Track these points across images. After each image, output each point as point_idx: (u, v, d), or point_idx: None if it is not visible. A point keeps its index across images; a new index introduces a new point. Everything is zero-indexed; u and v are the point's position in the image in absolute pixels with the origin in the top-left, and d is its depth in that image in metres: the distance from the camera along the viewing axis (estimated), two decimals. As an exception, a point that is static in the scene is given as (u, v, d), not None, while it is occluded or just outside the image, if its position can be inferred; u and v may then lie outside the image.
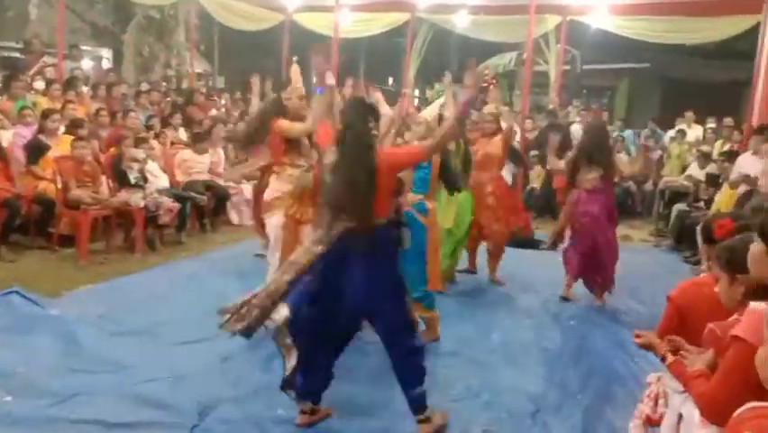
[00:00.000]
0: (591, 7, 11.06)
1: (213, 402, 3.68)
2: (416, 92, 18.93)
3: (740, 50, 14.08)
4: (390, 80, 23.40)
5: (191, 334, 4.63)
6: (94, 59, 16.28)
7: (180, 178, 8.00)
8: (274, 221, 4.73)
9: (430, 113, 5.30)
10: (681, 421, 2.34)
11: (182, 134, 9.01)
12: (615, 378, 4.32)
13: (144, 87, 10.84)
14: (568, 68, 15.20)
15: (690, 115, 11.63)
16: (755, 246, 1.86)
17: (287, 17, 13.25)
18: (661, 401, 2.59)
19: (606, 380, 4.27)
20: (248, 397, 3.80)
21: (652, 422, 2.62)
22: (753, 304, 1.81)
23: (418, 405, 3.41)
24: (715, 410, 1.84)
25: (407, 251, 3.69)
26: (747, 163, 7.15)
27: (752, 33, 10.12)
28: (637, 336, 2.51)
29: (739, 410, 1.43)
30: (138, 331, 4.68)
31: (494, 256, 6.39)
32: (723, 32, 11.09)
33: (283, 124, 4.69)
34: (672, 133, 11.49)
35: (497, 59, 17.08)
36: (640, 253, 7.77)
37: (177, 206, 7.16)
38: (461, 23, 12.40)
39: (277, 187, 4.76)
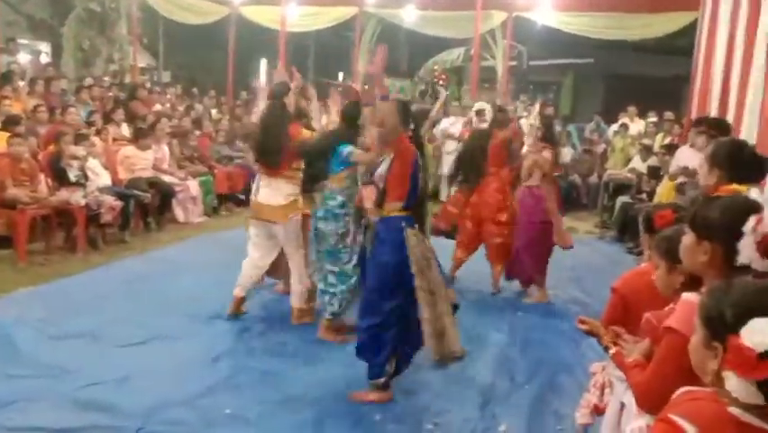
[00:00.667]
0: (536, 4, 11.24)
1: (159, 404, 3.60)
2: (366, 87, 18.88)
3: (680, 45, 14.50)
4: (340, 75, 23.30)
5: (136, 335, 4.54)
6: (32, 53, 15.72)
7: (123, 175, 7.79)
8: (295, 221, 4.88)
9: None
10: (623, 409, 2.39)
11: (125, 130, 8.77)
12: (561, 367, 4.40)
13: (89, 81, 10.50)
14: (515, 63, 15.40)
15: (632, 109, 11.93)
16: (686, 237, 1.90)
17: (233, 10, 13.05)
18: (607, 390, 2.63)
19: (552, 369, 4.36)
20: (195, 397, 3.73)
21: (599, 411, 2.66)
22: (685, 295, 1.85)
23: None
24: (649, 400, 1.88)
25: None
26: (686, 156, 7.36)
27: (690, 30, 10.44)
28: (581, 322, 2.54)
29: (674, 395, 1.46)
30: (80, 334, 4.54)
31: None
32: (662, 29, 11.44)
33: (306, 132, 4.87)
34: (615, 127, 11.76)
35: (445, 55, 17.18)
36: (585, 245, 7.94)
37: (119, 204, 6.97)
38: (409, 17, 12.44)
39: (290, 191, 4.85)
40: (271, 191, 4.85)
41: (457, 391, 3.98)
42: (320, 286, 4.72)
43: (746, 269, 1.75)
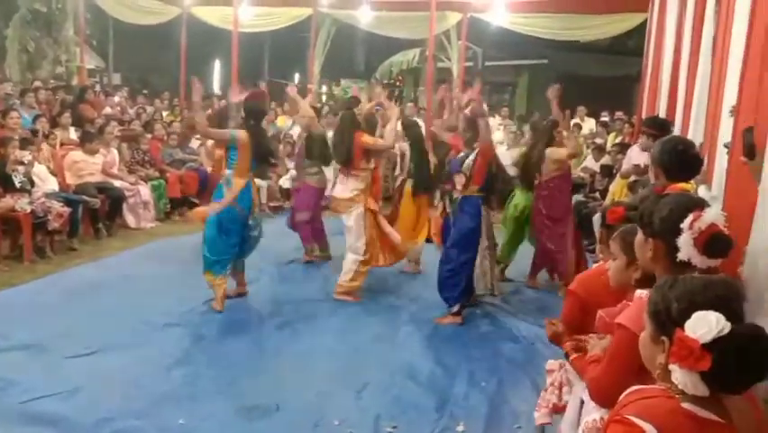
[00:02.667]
0: (490, 4, 11.33)
1: (110, 416, 3.52)
2: (323, 88, 18.82)
3: (630, 46, 14.86)
4: (296, 76, 23.15)
5: (86, 345, 4.41)
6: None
7: (71, 180, 7.56)
8: (355, 213, 5.66)
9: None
10: (583, 406, 2.40)
11: (73, 134, 8.52)
12: (518, 364, 4.44)
13: (37, 84, 10.17)
14: (470, 64, 15.52)
15: (581, 109, 12.12)
16: (639, 237, 1.94)
17: (184, 10, 12.82)
18: (565, 389, 2.64)
19: (510, 367, 4.38)
20: (148, 408, 3.65)
21: (558, 410, 2.68)
22: (638, 292, 1.88)
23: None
24: (601, 394, 1.91)
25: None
26: (636, 154, 7.51)
27: (640, 31, 10.69)
28: (551, 324, 2.55)
29: (623, 394, 1.47)
30: (28, 345, 4.39)
31: None
32: (613, 29, 11.68)
33: (368, 139, 5.75)
34: (568, 126, 11.94)
35: (401, 56, 17.24)
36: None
37: (67, 210, 6.76)
38: (365, 18, 12.41)
39: (353, 186, 5.67)
40: (342, 186, 5.77)
41: (415, 392, 3.97)
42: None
43: (687, 265, 1.78)
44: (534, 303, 5.85)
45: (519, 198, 6.30)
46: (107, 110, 10.52)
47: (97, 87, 13.41)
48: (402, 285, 6.28)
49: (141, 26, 13.52)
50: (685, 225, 1.77)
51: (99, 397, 3.72)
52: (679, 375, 1.31)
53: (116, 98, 12.13)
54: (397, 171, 6.69)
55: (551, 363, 2.80)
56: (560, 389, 2.65)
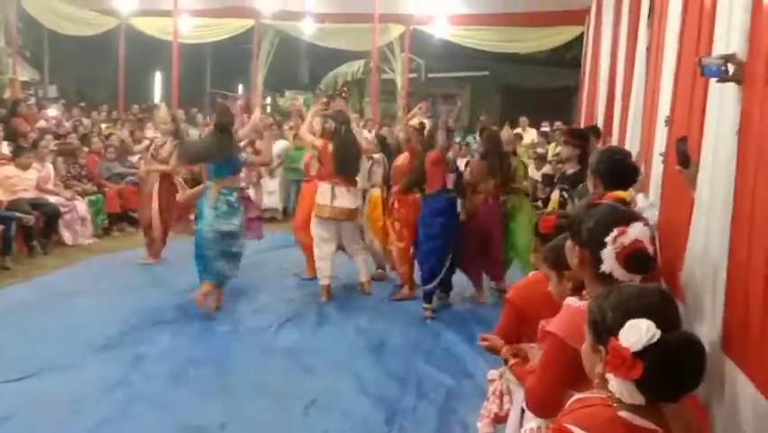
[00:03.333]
0: (432, 17, 11.47)
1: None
2: (268, 99, 18.67)
3: (568, 58, 15.26)
4: (240, 87, 22.90)
5: (21, 369, 4.21)
6: None
7: (3, 197, 7.24)
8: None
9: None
10: (524, 415, 2.41)
11: (5, 149, 8.19)
12: (465, 374, 4.44)
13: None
14: (414, 76, 15.66)
15: (523, 119, 12.37)
16: (568, 243, 1.97)
17: (122, 21, 12.52)
18: (506, 398, 2.65)
19: (457, 377, 4.39)
20: (88, 432, 3.49)
21: (499, 419, 2.68)
22: (567, 299, 1.90)
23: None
24: (536, 404, 1.93)
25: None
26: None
27: (578, 43, 11.00)
28: (483, 339, 2.57)
29: (568, 403, 1.48)
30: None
31: None
32: (551, 42, 12.01)
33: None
34: (510, 136, 12.16)
35: (345, 68, 17.27)
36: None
37: (-1, 228, 6.48)
38: (308, 30, 12.39)
39: (357, 196, 6.23)
40: (351, 197, 6.07)
41: (364, 407, 3.93)
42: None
43: (611, 277, 1.81)
44: (481, 312, 5.89)
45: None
46: (41, 123, 10.17)
47: (32, 100, 12.94)
48: (350, 298, 6.24)
49: (77, 37, 13.16)
50: (609, 239, 1.80)
51: (34, 423, 3.57)
52: (615, 384, 1.32)
53: (51, 111, 11.75)
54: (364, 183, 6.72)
55: (492, 373, 2.81)
56: (501, 398, 2.66)
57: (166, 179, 7.09)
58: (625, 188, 3.10)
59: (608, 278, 1.80)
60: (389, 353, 4.83)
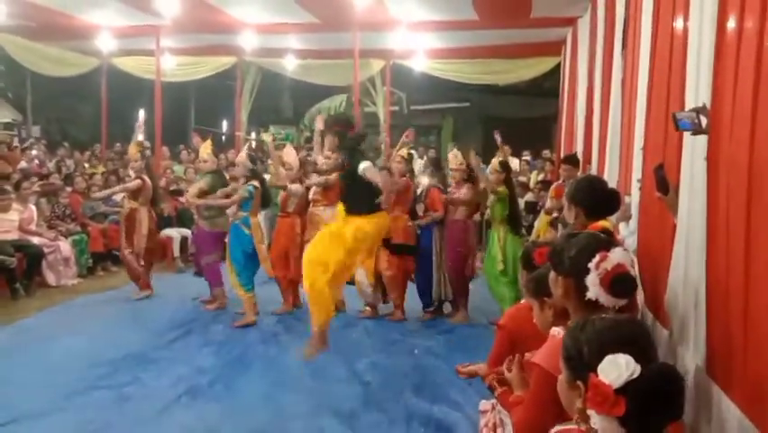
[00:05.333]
0: (412, 51, 11.63)
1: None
2: (252, 134, 18.73)
3: (547, 87, 15.48)
4: (224, 123, 22.97)
5: (1, 416, 4.09)
6: None
7: (-16, 239, 7.19)
8: None
9: (241, 157, 6.96)
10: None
11: (-14, 191, 8.12)
12: (454, 406, 4.40)
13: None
14: (396, 108, 15.81)
15: (506, 148, 12.47)
16: (552, 274, 1.99)
17: (103, 61, 12.57)
18: (499, 430, 2.64)
19: (446, 409, 4.34)
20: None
21: None
22: (552, 329, 1.91)
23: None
24: None
25: (237, 252, 6.56)
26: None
27: (555, 73, 11.19)
28: (459, 372, 2.56)
29: None
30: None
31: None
32: (528, 73, 12.21)
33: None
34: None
35: (328, 102, 17.40)
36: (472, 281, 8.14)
37: (-20, 271, 6.41)
38: (289, 66, 12.50)
39: None
40: None
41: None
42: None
43: (597, 304, 1.83)
44: (473, 342, 5.88)
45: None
46: (23, 164, 10.13)
47: (15, 141, 12.89)
48: (339, 331, 6.20)
49: (60, 78, 13.17)
50: (592, 265, 1.82)
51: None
52: (597, 421, 1.31)
53: (34, 152, 11.72)
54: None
55: (483, 404, 2.80)
56: (494, 430, 2.64)
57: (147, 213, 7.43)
58: (608, 215, 3.13)
59: (593, 305, 1.82)
60: (379, 387, 4.78)
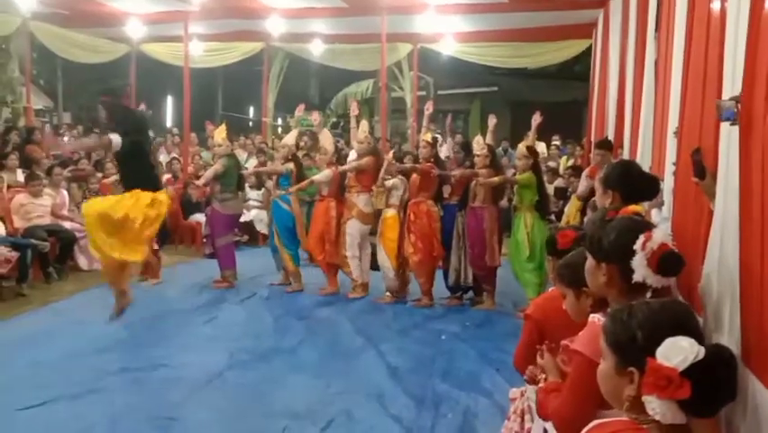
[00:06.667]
0: (440, 35, 11.51)
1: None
2: (279, 120, 18.80)
3: (577, 71, 15.25)
4: (251, 109, 23.10)
5: (38, 396, 4.20)
6: None
7: (19, 224, 7.33)
8: None
9: (290, 138, 7.57)
10: (546, 434, 2.39)
11: (21, 177, 8.29)
12: (482, 392, 4.41)
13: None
14: (423, 93, 15.72)
15: (529, 134, 12.34)
16: (588, 260, 1.95)
17: (133, 48, 12.69)
18: (527, 417, 2.62)
19: (475, 396, 4.35)
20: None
21: None
22: (591, 316, 1.87)
23: None
24: (565, 426, 1.88)
25: (282, 228, 7.08)
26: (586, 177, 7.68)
27: (586, 56, 11.00)
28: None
29: (586, 429, 1.44)
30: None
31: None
32: (559, 56, 11.99)
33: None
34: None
35: (354, 87, 17.37)
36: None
37: (15, 255, 6.54)
38: (316, 51, 12.47)
39: None
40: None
41: (381, 428, 3.90)
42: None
43: (643, 286, 1.80)
44: (501, 328, 5.87)
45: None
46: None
47: (47, 128, 13.10)
48: (367, 317, 6.24)
49: (90, 64, 13.33)
50: (637, 246, 1.79)
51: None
52: (656, 406, 1.28)
53: (65, 138, 11.89)
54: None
55: (513, 392, 2.78)
56: (522, 417, 2.63)
57: None
58: (647, 200, 3.06)
59: (639, 289, 1.79)
60: (407, 372, 4.81)
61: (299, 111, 8.11)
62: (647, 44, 5.38)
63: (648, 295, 1.84)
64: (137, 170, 4.89)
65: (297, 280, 7.14)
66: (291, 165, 7.10)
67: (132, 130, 4.87)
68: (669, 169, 3.62)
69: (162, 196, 4.93)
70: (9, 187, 7.86)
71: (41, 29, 11.14)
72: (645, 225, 1.90)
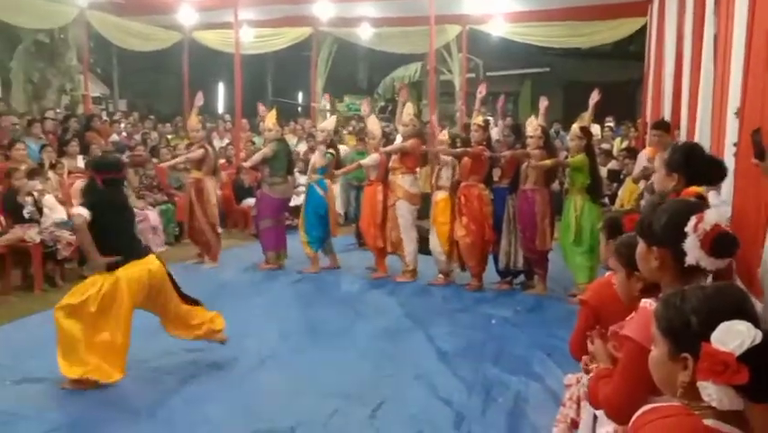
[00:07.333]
0: (489, 16, 11.36)
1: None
2: (327, 105, 18.89)
3: (632, 51, 14.84)
4: (300, 95, 23.26)
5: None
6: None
7: (79, 209, 7.58)
8: None
9: (329, 123, 7.88)
10: (596, 421, 2.36)
11: (81, 163, 8.56)
12: (533, 377, 4.38)
13: (50, 114, 10.25)
14: (472, 76, 15.54)
15: (584, 114, 12.08)
16: (639, 245, 1.91)
17: (185, 35, 12.92)
18: (583, 403, 2.60)
19: (526, 381, 4.33)
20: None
21: (576, 425, 2.63)
22: (643, 301, 1.84)
23: None
24: (616, 413, 1.85)
25: (310, 212, 7.18)
26: (646, 158, 7.47)
27: (642, 35, 10.69)
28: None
29: (637, 414, 1.42)
30: (40, 376, 4.34)
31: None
32: (613, 35, 11.68)
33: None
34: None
35: (402, 71, 17.29)
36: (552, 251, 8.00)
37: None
38: (365, 35, 12.46)
39: None
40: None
41: (431, 410, 3.92)
42: None
43: (696, 269, 1.75)
44: (552, 313, 5.82)
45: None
46: (114, 137, 10.59)
47: (104, 115, 13.50)
48: (418, 301, 6.26)
49: (144, 52, 13.64)
50: (689, 228, 1.74)
51: (111, 427, 3.71)
52: (713, 392, 1.25)
53: (122, 125, 12.22)
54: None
55: (569, 378, 2.75)
56: (578, 403, 2.60)
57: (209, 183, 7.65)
58: (711, 183, 2.97)
59: (692, 272, 1.75)
60: (457, 356, 4.81)
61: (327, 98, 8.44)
62: (706, 20, 5.19)
63: (709, 280, 1.79)
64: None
65: (314, 262, 7.27)
66: (332, 150, 7.26)
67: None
68: (729, 150, 3.51)
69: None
70: (70, 173, 8.12)
71: (98, 18, 11.45)
72: (698, 207, 1.84)
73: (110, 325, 4.10)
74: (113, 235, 4.10)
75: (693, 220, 1.74)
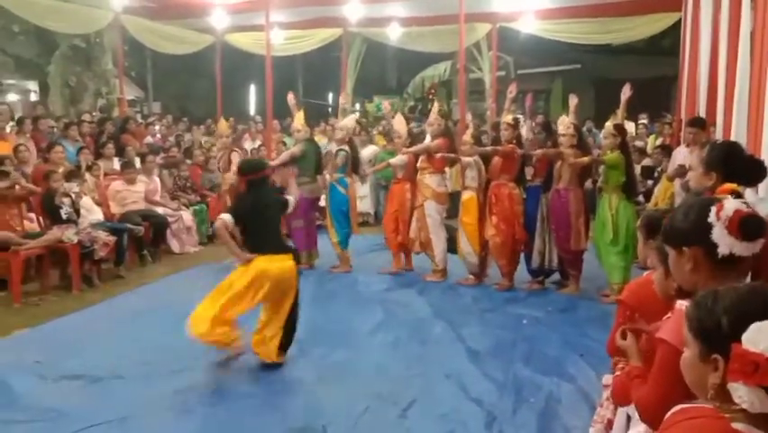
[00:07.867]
0: (519, 13, 11.27)
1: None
2: (357, 105, 18.95)
3: (666, 46, 14.59)
4: (330, 95, 23.39)
5: (134, 372, 4.47)
6: (20, 93, 15.74)
7: (115, 210, 7.75)
8: None
9: (349, 121, 7.98)
10: (630, 422, 2.34)
11: (116, 165, 8.73)
12: (565, 377, 4.34)
13: (86, 117, 10.48)
14: (502, 74, 15.46)
15: (617, 111, 11.92)
16: (669, 254, 1.87)
17: (217, 38, 13.08)
18: None
19: (558, 381, 4.29)
20: (197, 430, 3.68)
21: (613, 426, 2.61)
22: (678, 303, 1.81)
23: None
24: (650, 417, 1.82)
25: (335, 210, 7.33)
26: (682, 156, 7.35)
27: (675, 30, 10.49)
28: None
29: (668, 414, 1.40)
30: (78, 374, 4.45)
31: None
32: (647, 30, 11.47)
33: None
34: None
35: (431, 70, 17.28)
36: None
37: (113, 239, 6.92)
38: (394, 35, 12.46)
39: None
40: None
41: (462, 410, 3.92)
42: None
43: (732, 262, 1.72)
44: (584, 313, 5.76)
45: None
46: (148, 139, 10.78)
47: (138, 118, 13.74)
48: (447, 301, 6.25)
49: (177, 55, 13.84)
50: (712, 218, 1.71)
51: (149, 424, 3.78)
52: (744, 393, 1.23)
53: (156, 127, 12.43)
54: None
55: (606, 378, 2.72)
56: (615, 404, 2.58)
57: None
58: (750, 183, 2.91)
59: (727, 270, 1.72)
60: (488, 356, 4.79)
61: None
62: (742, 15, 5.08)
63: (747, 279, 1.76)
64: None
65: (343, 261, 7.38)
66: (346, 148, 7.35)
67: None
68: (766, 147, 3.44)
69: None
70: (106, 174, 8.30)
71: (132, 22, 11.65)
72: (712, 200, 1.82)
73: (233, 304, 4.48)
74: (253, 235, 4.61)
75: (713, 210, 1.72)
